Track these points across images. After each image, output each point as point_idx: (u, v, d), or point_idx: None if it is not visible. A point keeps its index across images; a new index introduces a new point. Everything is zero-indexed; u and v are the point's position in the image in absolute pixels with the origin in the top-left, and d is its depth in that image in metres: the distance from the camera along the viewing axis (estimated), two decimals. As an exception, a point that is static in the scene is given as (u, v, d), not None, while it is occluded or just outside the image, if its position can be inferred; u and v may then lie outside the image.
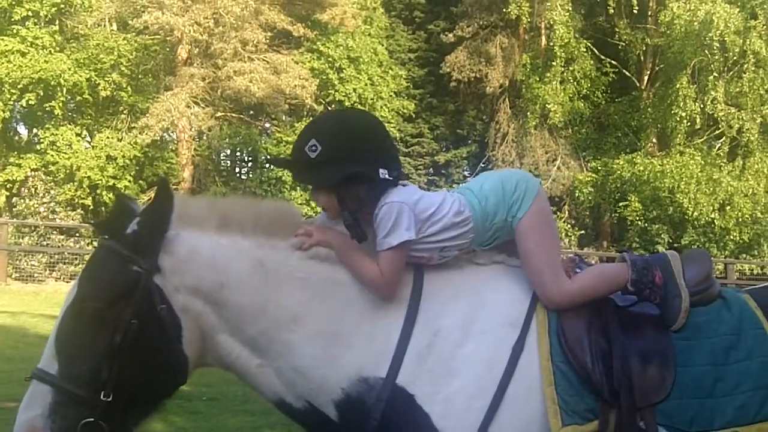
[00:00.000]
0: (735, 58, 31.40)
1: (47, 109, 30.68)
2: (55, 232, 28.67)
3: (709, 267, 3.50)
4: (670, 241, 32.57)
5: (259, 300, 3.10)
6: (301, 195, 34.39)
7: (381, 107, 35.15)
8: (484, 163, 38.85)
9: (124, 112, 32.66)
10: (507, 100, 37.52)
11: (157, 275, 3.01)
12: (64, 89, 30.01)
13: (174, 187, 31.68)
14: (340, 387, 3.11)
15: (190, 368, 3.11)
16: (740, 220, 31.94)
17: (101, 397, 2.90)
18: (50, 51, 30.41)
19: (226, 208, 3.24)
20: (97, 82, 30.51)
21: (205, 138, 34.88)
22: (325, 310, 3.14)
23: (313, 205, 33.41)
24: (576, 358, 3.10)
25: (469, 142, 40.17)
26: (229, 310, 3.09)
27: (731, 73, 32.30)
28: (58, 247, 27.78)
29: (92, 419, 2.89)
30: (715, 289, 3.42)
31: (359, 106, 34.21)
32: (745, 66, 31.49)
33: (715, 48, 30.97)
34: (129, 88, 31.83)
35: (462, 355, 3.11)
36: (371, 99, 34.62)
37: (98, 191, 29.72)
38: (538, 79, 34.75)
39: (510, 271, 3.39)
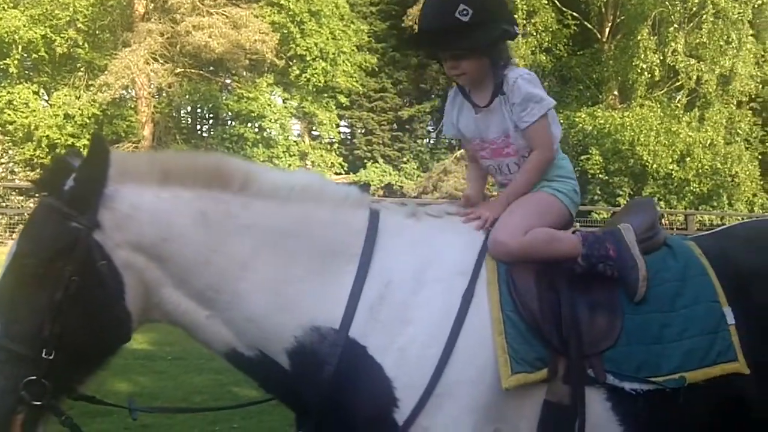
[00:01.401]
0: (694, 9, 31.56)
1: (2, 67, 30.17)
2: (14, 193, 28.34)
3: (654, 215, 3.55)
4: (632, 193, 32.87)
5: (203, 251, 3.05)
6: (263, 152, 34.28)
7: (343, 61, 34.99)
8: (447, 118, 38.83)
9: (82, 69, 32.22)
10: (469, 53, 37.35)
11: (97, 231, 2.94)
12: (19, 47, 29.52)
13: (134, 145, 31.55)
14: (293, 335, 3.10)
15: (133, 325, 3.06)
16: (700, 171, 32.29)
17: (43, 355, 2.86)
18: (3, 7, 29.80)
19: (166, 161, 3.17)
20: (53, 39, 30.05)
21: (164, 95, 34.51)
22: (275, 257, 3.11)
23: (277, 162, 33.40)
24: (525, 308, 3.13)
25: (433, 96, 40.01)
26: (174, 264, 3.05)
27: (691, 24, 32.47)
28: (18, 208, 27.44)
29: (35, 377, 2.86)
30: (660, 237, 3.48)
31: (321, 61, 34.04)
32: (705, 17, 31.68)
33: (675, -2, 31.14)
34: (86, 45, 31.38)
35: (414, 305, 3.12)
36: (333, 53, 34.41)
37: (58, 150, 29.31)
38: (500, 32, 34.60)
39: (462, 223, 3.43)
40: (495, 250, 3.26)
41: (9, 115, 29.82)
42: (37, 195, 3.12)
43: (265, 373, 3.20)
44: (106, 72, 30.07)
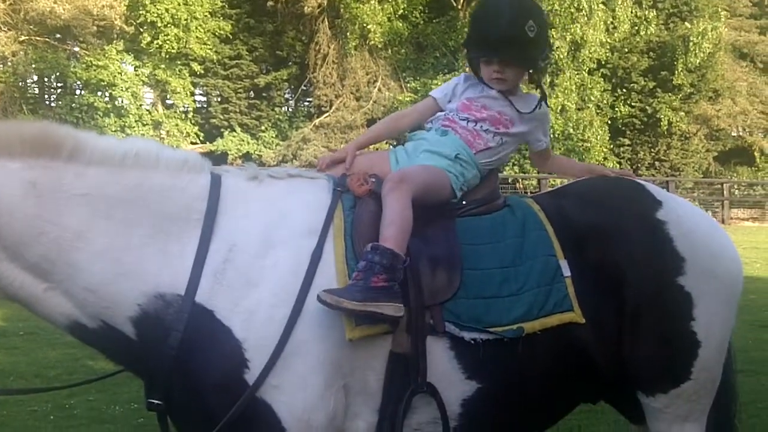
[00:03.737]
0: (546, -24, 32.34)
1: None
2: None
3: (495, 181, 3.78)
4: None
5: (35, 223, 2.97)
6: (115, 121, 33.39)
7: (196, 28, 34.34)
8: (305, 85, 38.69)
9: None
10: (326, 20, 37.28)
11: None
12: None
13: (-23, 115, 30.16)
14: (136, 303, 3.06)
15: None
16: (552, 136, 33.23)
17: None
18: None
19: None
20: None
21: (9, 64, 33.06)
22: (112, 225, 3.06)
23: (130, 132, 32.55)
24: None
25: (290, 63, 39.73)
26: (4, 238, 2.95)
27: (542, -9, 33.29)
28: None
29: None
30: (500, 201, 3.69)
31: (172, 27, 33.30)
32: (556, -16, 32.46)
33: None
34: None
35: (260, 267, 3.14)
36: (185, 19, 33.67)
37: None
38: (356, -2, 34.69)
39: (306, 183, 3.49)
40: (395, 180, 3.35)
41: None
42: None
43: (110, 343, 3.17)
44: (-57, 39, 28.69)
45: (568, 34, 33.04)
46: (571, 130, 33.77)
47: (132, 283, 3.06)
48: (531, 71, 3.87)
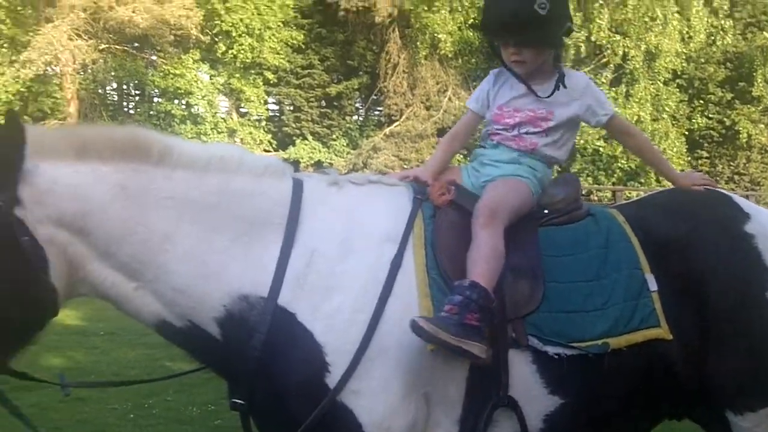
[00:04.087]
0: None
1: (-76, 45, 29.32)
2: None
3: (577, 189, 3.68)
4: (559, 169, 33.05)
5: (125, 224, 3.06)
6: (191, 129, 33.89)
7: (269, 37, 34.65)
8: (376, 95, 38.79)
9: (4, 45, 31.41)
10: (396, 29, 37.31)
11: (18, 208, 2.92)
12: (-62, 22, 28.69)
13: (60, 122, 30.90)
14: (221, 304, 3.14)
15: (60, 300, 3.06)
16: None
17: None
18: None
19: (83, 136, 3.16)
20: (-27, 15, 29.22)
21: (89, 71, 33.79)
22: (197, 228, 3.14)
23: (205, 139, 33.01)
24: (450, 271, 3.21)
25: (360, 73, 39.87)
26: (97, 238, 3.05)
27: (616, 0, 32.83)
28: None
29: None
30: (583, 210, 3.59)
31: (247, 37, 33.69)
32: (629, -7, 32.02)
33: (600, -25, 31.43)
34: (8, 20, 30.56)
35: (341, 272, 3.18)
36: (259, 29, 34.04)
37: (-20, 128, 28.62)
38: (426, 8, 34.64)
39: (386, 190, 3.51)
40: (488, 213, 3.32)
41: (-67, 92, 29.07)
42: None
43: (196, 343, 3.24)
44: (29, 48, 29.40)
45: (643, 43, 32.55)
46: (646, 142, 33.11)
47: (217, 284, 3.13)
48: (553, 49, 3.68)
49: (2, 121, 3.03)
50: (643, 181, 33.92)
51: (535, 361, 3.21)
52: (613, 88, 33.69)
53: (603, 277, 3.34)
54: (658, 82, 34.29)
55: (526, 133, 3.65)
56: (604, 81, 33.87)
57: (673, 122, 35.25)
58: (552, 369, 3.22)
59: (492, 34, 3.74)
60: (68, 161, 3.05)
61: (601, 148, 32.39)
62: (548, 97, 3.62)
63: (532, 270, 3.29)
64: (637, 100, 33.15)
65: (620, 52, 32.43)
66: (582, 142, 31.90)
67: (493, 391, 3.18)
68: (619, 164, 33.13)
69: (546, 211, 3.55)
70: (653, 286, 3.37)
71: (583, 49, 32.65)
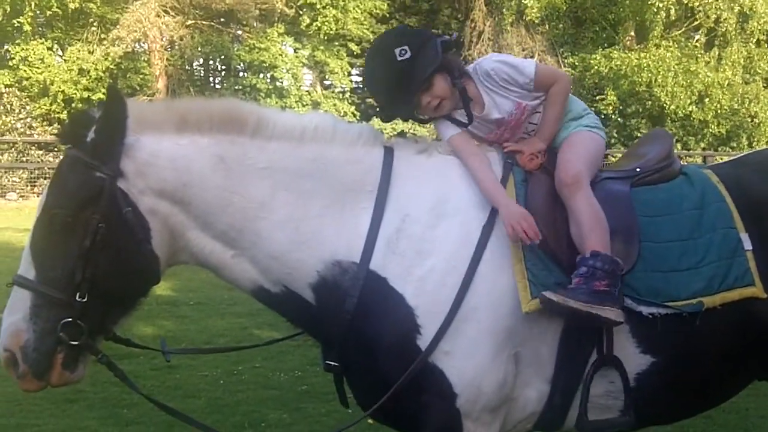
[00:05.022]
0: (711, -54, 30.98)
1: (16, 24, 30.13)
2: (33, 147, 28.63)
3: (669, 145, 3.66)
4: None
5: (223, 194, 3.17)
6: (276, 102, 34.17)
7: (353, 8, 34.64)
8: (460, 63, 38.45)
9: (95, 24, 32.18)
10: (482, -4, 36.94)
11: (121, 180, 3.08)
12: (32, 3, 29.46)
13: (149, 98, 31.52)
14: (315, 270, 3.23)
15: (162, 267, 3.22)
16: (718, 112, 31.86)
17: (77, 298, 3.02)
18: (14, -35, 29.70)
19: (182, 109, 3.27)
20: (64, -6, 29.92)
21: (177, 48, 34.36)
22: (292, 196, 3.22)
23: (297, 110, 33.23)
24: (543, 234, 3.19)
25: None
26: (196, 208, 3.17)
27: (708, -39, 31.89)
28: (38, 162, 27.71)
29: (71, 319, 3.03)
30: (676, 166, 3.58)
31: (330, 8, 33.75)
32: (722, -47, 31.04)
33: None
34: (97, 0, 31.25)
35: (432, 237, 3.22)
36: (343, 0, 34.06)
37: (73, 105, 29.45)
38: (512, -27, 34.19)
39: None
40: (571, 179, 3.29)
41: (25, 71, 29.98)
42: (61, 147, 3.22)
43: (291, 308, 3.34)
44: (118, 26, 30.04)
45: (736, 5, 31.52)
46: (737, 106, 32.22)
47: (311, 250, 3.22)
48: (450, 78, 3.49)
49: (105, 95, 3.18)
50: (734, 145, 33.00)
51: (628, 320, 3.20)
52: (706, 52, 32.73)
53: (697, 236, 3.33)
54: (751, 44, 33.13)
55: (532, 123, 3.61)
56: (697, 45, 33.00)
57: (765, 85, 34.03)
58: (646, 328, 3.23)
59: (396, 111, 3.62)
60: (168, 134, 3.18)
61: (692, 113, 31.57)
62: (468, 123, 3.53)
63: (628, 230, 3.29)
64: (729, 63, 32.14)
65: (713, 15, 31.44)
66: (672, 107, 31.19)
67: (588, 351, 3.22)
68: (710, 129, 32.28)
69: (638, 170, 3.52)
70: (748, 245, 3.35)
71: (674, 11, 31.75)
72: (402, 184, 3.32)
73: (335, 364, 3.32)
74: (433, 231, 3.23)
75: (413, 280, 3.17)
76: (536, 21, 34.80)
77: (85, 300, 3.02)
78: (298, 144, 3.29)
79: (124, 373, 3.31)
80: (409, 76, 3.39)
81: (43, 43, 31.05)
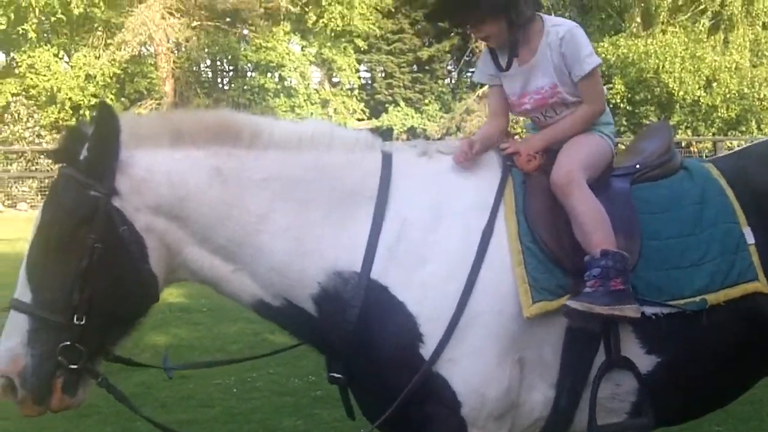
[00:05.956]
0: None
1: (21, 32, 30.20)
2: (42, 156, 28.58)
3: (668, 138, 3.60)
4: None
5: (221, 208, 3.12)
6: (284, 102, 34.19)
7: (359, 3, 34.62)
8: (467, 56, 38.44)
9: (99, 28, 32.21)
10: (488, -12, 36.72)
11: (116, 198, 3.01)
12: (36, 10, 29.49)
13: (157, 102, 31.62)
14: (316, 281, 3.17)
15: (160, 285, 3.15)
16: (727, 96, 31.69)
17: (75, 320, 2.96)
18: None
19: (175, 122, 3.22)
20: (68, 0, 29.94)
21: (183, 50, 34.41)
22: (290, 207, 3.17)
23: (299, 111, 33.37)
24: (543, 237, 3.17)
25: (452, 35, 39.51)
26: (194, 223, 3.11)
27: (712, -56, 31.72)
28: (47, 171, 27.72)
29: (69, 343, 2.96)
30: (676, 160, 3.52)
31: (336, 5, 33.74)
32: (726, -64, 30.86)
33: None
34: (102, 4, 31.28)
35: (433, 242, 3.18)
36: (348, -5, 34.07)
37: (81, 112, 29.47)
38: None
39: (475, 158, 3.44)
40: (564, 179, 3.26)
41: (31, 78, 30.04)
42: (56, 165, 3.18)
43: (293, 320, 3.30)
44: (123, 30, 30.09)
45: (742, -14, 31.35)
46: (746, 89, 32.02)
47: (312, 261, 3.17)
48: (509, 16, 3.39)
49: (96, 112, 3.09)
50: (744, 129, 32.79)
51: (632, 321, 3.16)
52: (712, 36, 32.54)
53: (699, 232, 3.30)
54: (757, 27, 32.92)
55: (549, 115, 3.56)
56: (702, 29, 32.82)
57: (774, 67, 33.81)
58: (649, 328, 3.20)
59: (441, 21, 3.64)
60: (163, 148, 3.12)
61: (700, 98, 31.41)
62: (506, 70, 3.49)
63: (628, 229, 3.26)
64: (735, 46, 31.95)
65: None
66: (681, 93, 31.04)
67: (590, 353, 3.19)
68: (719, 114, 32.09)
69: (638, 166, 3.48)
70: (751, 239, 3.31)
71: (678, -4, 31.62)
72: (401, 188, 3.28)
73: (340, 376, 3.29)
74: (433, 236, 3.18)
75: (414, 286, 3.12)
76: (543, 10, 34.62)
77: (83, 322, 2.96)
78: (295, 153, 3.24)
79: (124, 395, 3.23)
80: (461, 5, 3.38)
81: (48, 50, 31.11)
